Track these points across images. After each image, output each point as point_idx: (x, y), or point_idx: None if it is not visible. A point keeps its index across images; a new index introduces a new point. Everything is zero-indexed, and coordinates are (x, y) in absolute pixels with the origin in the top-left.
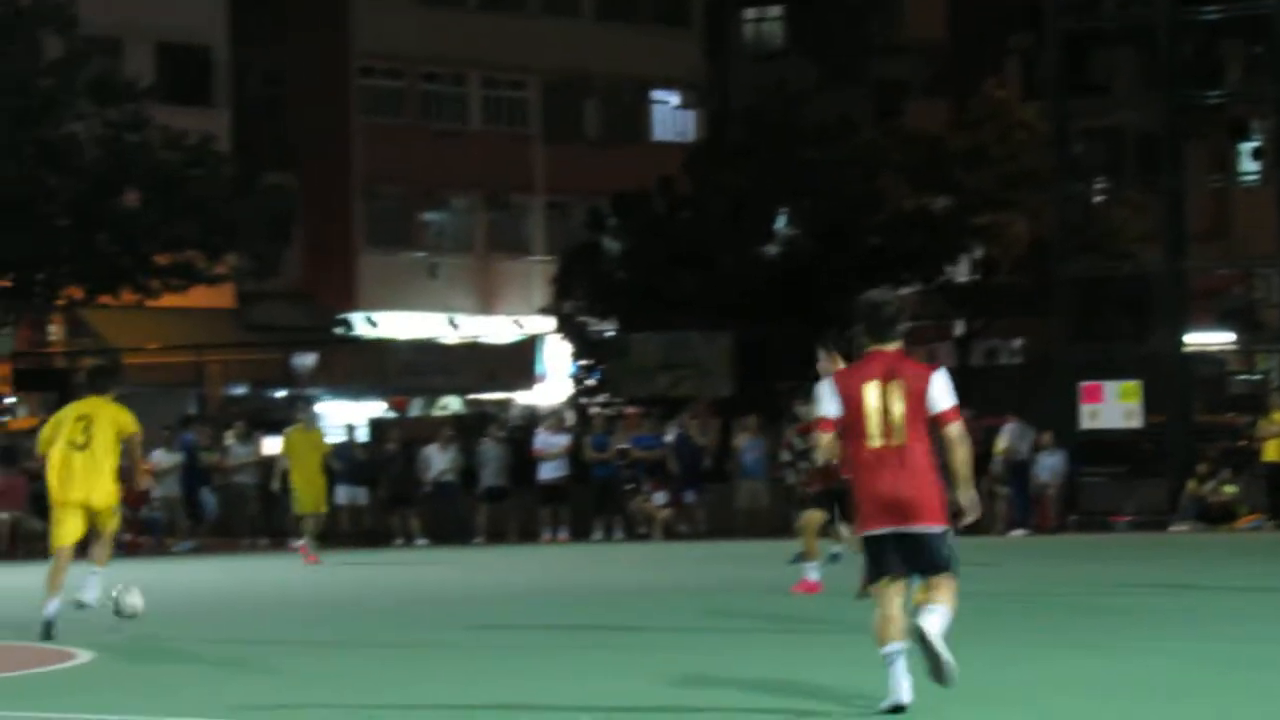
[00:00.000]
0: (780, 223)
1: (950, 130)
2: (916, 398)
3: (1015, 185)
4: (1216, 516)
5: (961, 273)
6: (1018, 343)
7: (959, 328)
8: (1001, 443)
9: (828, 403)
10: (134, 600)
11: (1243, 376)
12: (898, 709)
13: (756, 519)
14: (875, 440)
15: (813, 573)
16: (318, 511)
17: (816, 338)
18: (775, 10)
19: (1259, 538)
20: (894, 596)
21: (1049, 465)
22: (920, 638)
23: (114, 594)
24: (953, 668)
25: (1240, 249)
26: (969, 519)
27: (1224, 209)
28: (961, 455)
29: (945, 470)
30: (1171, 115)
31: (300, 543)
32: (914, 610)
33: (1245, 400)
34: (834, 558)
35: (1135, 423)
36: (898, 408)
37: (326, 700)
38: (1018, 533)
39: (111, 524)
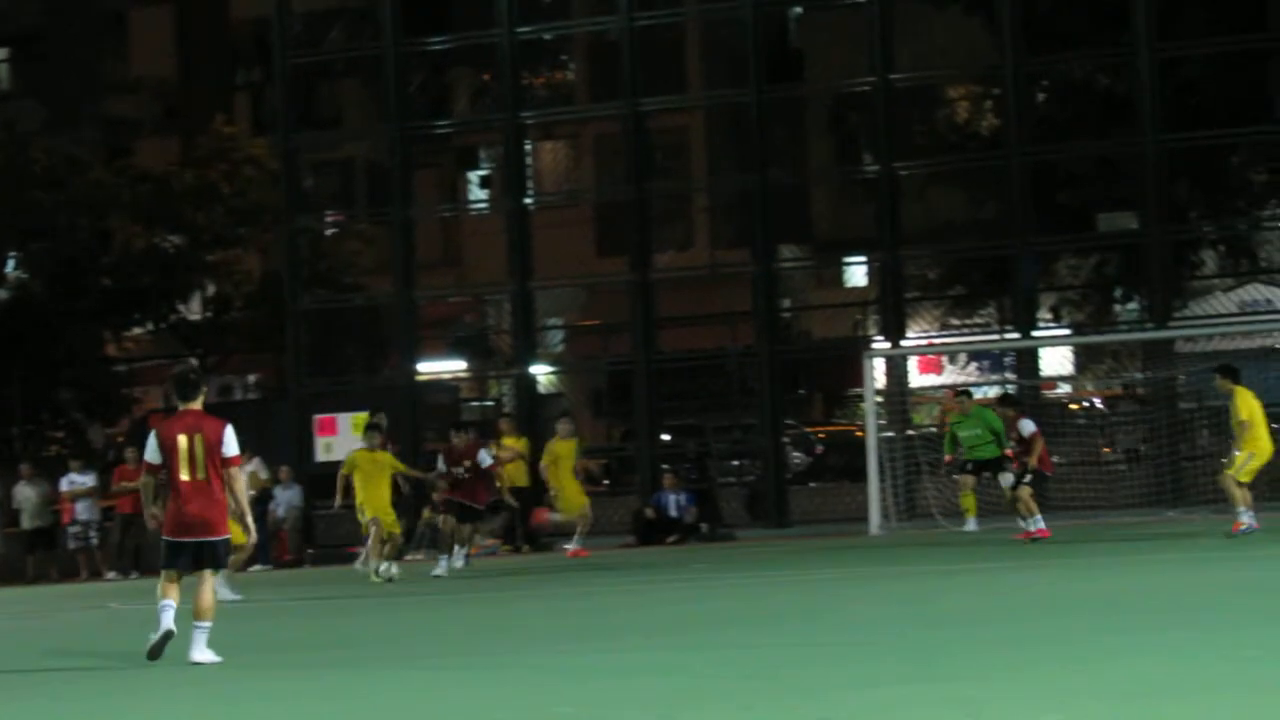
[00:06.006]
0: (10, 266)
1: (179, 168)
2: (213, 445)
3: (246, 221)
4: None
5: (194, 310)
6: (253, 378)
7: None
8: None
9: (152, 451)
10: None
11: (475, 403)
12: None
13: None
14: (185, 474)
15: None
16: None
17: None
18: (1, 53)
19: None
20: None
21: (285, 499)
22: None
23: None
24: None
25: (470, 277)
26: (253, 541)
27: (454, 237)
28: (241, 489)
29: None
30: (400, 145)
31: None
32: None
33: (478, 426)
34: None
35: None
36: (200, 451)
37: None
38: (257, 568)
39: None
